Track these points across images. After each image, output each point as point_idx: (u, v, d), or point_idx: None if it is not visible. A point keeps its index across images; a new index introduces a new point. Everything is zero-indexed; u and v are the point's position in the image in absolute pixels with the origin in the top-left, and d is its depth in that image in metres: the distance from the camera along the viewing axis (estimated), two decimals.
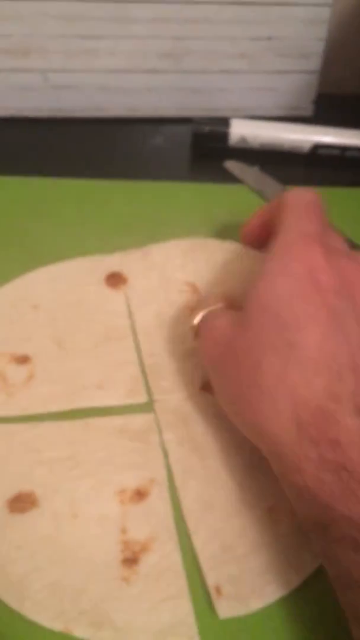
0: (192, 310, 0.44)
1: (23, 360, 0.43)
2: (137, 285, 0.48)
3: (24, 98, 0.61)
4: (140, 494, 0.38)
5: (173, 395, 0.43)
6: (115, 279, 0.48)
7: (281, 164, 0.60)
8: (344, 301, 0.33)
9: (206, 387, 0.42)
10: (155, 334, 0.45)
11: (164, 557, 0.36)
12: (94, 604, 0.34)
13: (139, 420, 0.41)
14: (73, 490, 0.37)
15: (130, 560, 0.35)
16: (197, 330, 0.40)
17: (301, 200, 0.39)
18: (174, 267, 0.49)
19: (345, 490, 0.29)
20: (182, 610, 0.34)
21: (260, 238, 0.42)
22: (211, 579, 0.35)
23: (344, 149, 0.60)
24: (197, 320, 0.40)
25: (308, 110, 0.65)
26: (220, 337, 0.36)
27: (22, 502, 0.37)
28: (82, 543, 0.36)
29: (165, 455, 0.40)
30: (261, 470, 0.39)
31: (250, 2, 0.58)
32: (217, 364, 0.36)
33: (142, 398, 0.42)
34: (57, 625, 0.33)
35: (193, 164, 0.61)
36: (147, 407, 0.42)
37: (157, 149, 0.62)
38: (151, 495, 0.38)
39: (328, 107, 0.66)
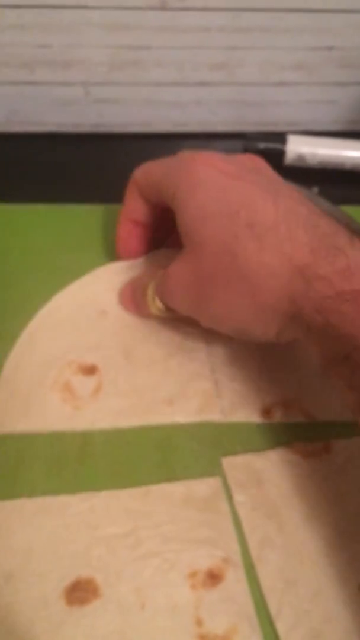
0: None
1: (91, 370, 0.40)
2: None
3: (64, 113, 0.57)
4: (213, 577, 0.33)
5: (228, 417, 0.39)
6: None
7: (342, 184, 0.56)
8: (259, 176, 0.36)
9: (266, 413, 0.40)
10: (219, 349, 0.42)
11: None
12: None
13: (205, 485, 0.36)
14: (138, 575, 0.33)
15: None
16: (160, 297, 0.39)
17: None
18: None
19: None
20: None
21: (140, 241, 0.43)
22: None
23: None
24: (151, 291, 0.40)
25: None
26: (184, 276, 0.36)
27: (82, 592, 0.32)
28: (151, 637, 0.31)
29: (238, 525, 0.35)
30: (352, 537, 0.34)
31: (310, 10, 0.53)
32: (198, 296, 0.36)
33: (215, 415, 0.39)
34: None
35: None
36: (213, 468, 0.37)
37: None
38: (226, 578, 0.33)
39: None
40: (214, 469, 0.37)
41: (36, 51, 0.53)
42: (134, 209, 0.41)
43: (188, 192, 0.35)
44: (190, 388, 0.40)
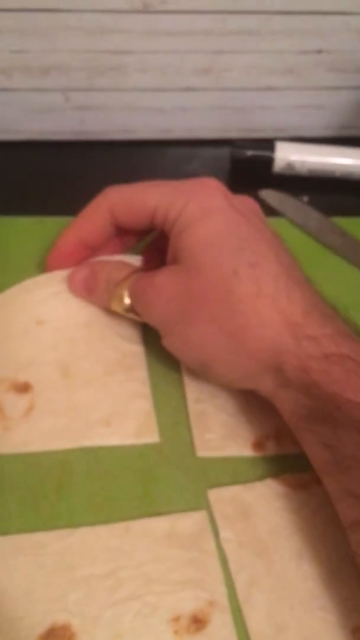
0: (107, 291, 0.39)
1: (23, 388, 0.38)
2: None
3: (43, 120, 0.54)
4: (198, 622, 0.31)
5: (218, 452, 0.37)
6: None
7: (332, 193, 0.54)
8: (260, 222, 0.36)
9: (259, 446, 0.38)
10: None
11: None
12: None
13: (190, 520, 0.34)
14: (117, 620, 0.31)
15: None
16: (134, 300, 0.37)
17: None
18: None
19: (350, 378, 0.30)
20: None
21: (76, 255, 0.41)
22: None
23: None
24: (123, 289, 0.38)
25: (359, 129, 0.58)
26: (169, 290, 0.35)
27: (57, 639, 0.30)
28: None
29: (224, 564, 0.33)
30: (344, 577, 0.32)
31: (299, 12, 0.51)
32: (178, 316, 0.35)
33: (153, 437, 0.38)
34: None
35: (233, 193, 0.54)
36: (199, 501, 0.35)
37: (192, 176, 0.55)
38: (212, 623, 0.31)
39: None
40: (199, 503, 0.35)
41: (13, 56, 0.51)
42: (91, 230, 0.39)
43: (198, 216, 0.35)
44: (129, 408, 0.38)
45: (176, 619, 0.31)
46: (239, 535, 0.34)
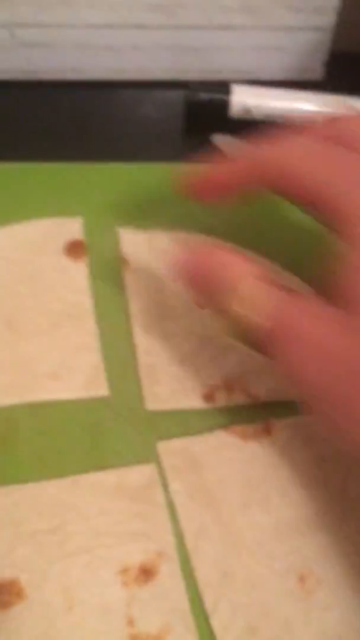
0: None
1: None
2: (139, 270, 0.42)
3: None
4: (146, 573, 0.31)
5: (168, 404, 0.37)
6: (76, 249, 0.42)
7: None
8: None
9: (209, 398, 0.37)
10: (154, 328, 0.39)
11: None
12: None
13: (138, 474, 0.34)
14: (65, 573, 0.31)
15: None
16: (273, 333, 0.28)
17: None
18: None
19: None
20: None
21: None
22: None
23: None
24: (267, 313, 0.28)
25: (318, 72, 0.57)
26: (329, 349, 0.26)
27: (5, 594, 0.30)
28: None
29: (173, 515, 0.33)
30: (292, 526, 0.33)
31: None
32: (346, 382, 0.26)
33: (103, 391, 0.37)
34: None
35: (186, 138, 0.52)
36: (148, 454, 0.35)
37: (144, 120, 0.53)
38: (160, 573, 0.31)
39: (340, 69, 0.57)
40: (148, 455, 0.35)
41: None
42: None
43: None
44: (76, 362, 0.37)
45: (125, 571, 0.31)
46: (188, 486, 0.34)
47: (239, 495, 0.34)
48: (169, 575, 0.31)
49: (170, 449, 0.35)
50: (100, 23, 0.51)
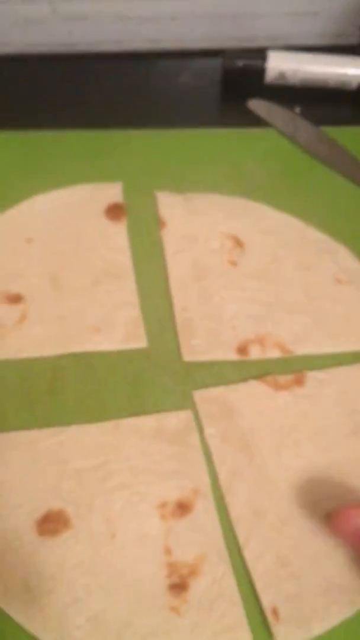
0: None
1: (15, 299, 0.40)
2: (176, 231, 0.44)
3: (29, 32, 0.54)
4: (183, 507, 0.33)
5: (203, 356, 0.39)
6: (115, 211, 0.45)
7: (326, 103, 0.53)
8: None
9: (243, 351, 0.38)
10: (190, 286, 0.42)
11: (216, 581, 0.32)
12: (141, 639, 0.30)
13: (176, 419, 0.36)
14: (108, 506, 0.33)
15: (179, 587, 0.32)
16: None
17: None
18: (217, 218, 0.45)
19: None
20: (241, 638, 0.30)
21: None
22: (267, 600, 0.31)
23: None
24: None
25: (355, 37, 0.57)
26: None
27: (53, 523, 0.33)
28: (123, 568, 0.32)
29: (208, 457, 0.35)
30: (320, 469, 0.35)
31: None
32: None
33: (142, 343, 0.39)
34: None
35: (224, 105, 0.54)
36: (185, 402, 0.37)
37: (183, 88, 0.54)
38: (195, 508, 0.33)
39: None
40: (185, 403, 0.37)
41: None
42: None
43: None
44: (117, 316, 0.40)
45: (163, 505, 0.33)
46: (222, 431, 0.36)
47: (271, 440, 0.36)
48: (204, 511, 0.34)
49: (206, 397, 0.37)
50: None
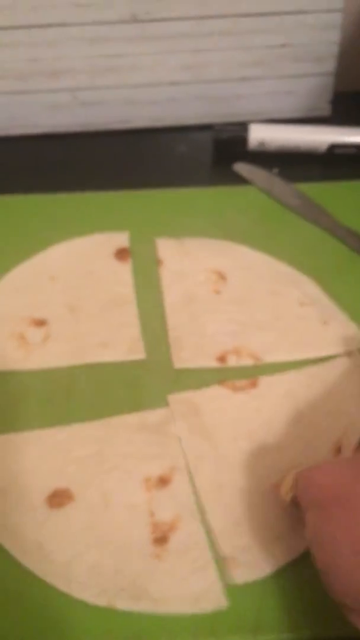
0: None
1: (40, 323, 0.50)
2: (171, 268, 0.54)
3: (55, 115, 0.66)
4: (163, 481, 0.42)
5: (190, 363, 0.48)
6: (122, 254, 0.55)
7: (299, 164, 0.63)
8: None
9: (222, 359, 0.47)
10: (181, 311, 0.51)
11: (190, 534, 0.40)
12: (131, 580, 0.38)
13: (156, 415, 0.45)
14: (103, 483, 0.42)
15: (161, 539, 0.40)
16: (295, 482, 0.37)
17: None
18: (204, 258, 0.55)
19: None
20: (209, 579, 0.38)
21: None
22: (227, 551, 0.39)
23: (359, 147, 0.63)
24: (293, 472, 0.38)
25: (326, 110, 0.68)
26: (329, 480, 0.34)
27: (59, 498, 0.41)
28: (115, 529, 0.40)
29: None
30: (267, 451, 0.43)
31: (264, 13, 0.61)
32: (325, 508, 0.33)
33: (141, 355, 0.48)
34: (101, 601, 0.38)
35: (214, 168, 0.65)
36: (162, 402, 0.46)
37: (180, 156, 0.66)
38: (173, 481, 0.42)
39: (346, 105, 0.68)
40: (165, 402, 0.46)
41: (28, 64, 0.62)
42: None
43: None
44: (121, 334, 0.49)
45: (147, 480, 0.42)
46: (190, 425, 0.45)
47: (230, 431, 0.44)
48: (180, 482, 0.42)
49: (177, 399, 0.46)
50: (142, 83, 0.64)
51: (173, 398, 0.46)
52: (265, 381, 0.47)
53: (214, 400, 0.46)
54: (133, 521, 0.40)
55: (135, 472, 0.42)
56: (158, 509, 0.41)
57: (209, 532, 0.40)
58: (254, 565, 0.39)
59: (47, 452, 0.44)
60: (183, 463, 0.43)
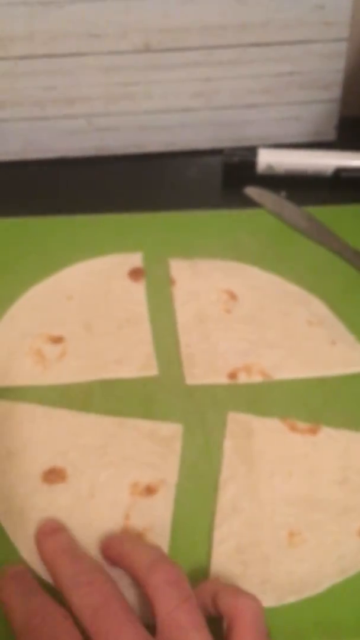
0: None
1: (58, 340, 0.52)
2: (184, 288, 0.56)
3: (71, 141, 0.68)
4: (149, 490, 0.44)
5: (201, 380, 0.50)
6: (136, 274, 0.57)
7: (306, 187, 0.65)
8: None
9: (232, 376, 0.49)
10: (193, 329, 0.53)
11: None
12: None
13: (167, 428, 0.47)
14: (96, 476, 0.44)
15: None
16: None
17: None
18: (216, 278, 0.57)
19: None
20: None
21: None
22: (216, 570, 0.41)
23: None
24: None
25: (331, 135, 0.70)
26: None
27: (54, 475, 0.44)
28: (90, 519, 0.42)
29: (183, 460, 0.45)
30: (298, 499, 0.44)
31: (272, 43, 0.64)
32: None
33: (153, 371, 0.50)
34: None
35: (225, 191, 0.67)
36: (173, 416, 0.48)
37: (192, 180, 0.68)
38: (158, 493, 0.44)
39: (351, 130, 0.71)
40: (182, 417, 0.48)
41: (45, 92, 0.65)
42: None
43: None
44: (135, 351, 0.51)
45: (135, 484, 0.44)
46: (236, 446, 0.46)
47: (270, 465, 0.45)
48: (163, 496, 0.44)
49: (236, 418, 0.48)
50: (155, 109, 0.67)
51: (232, 416, 0.48)
52: (326, 432, 0.47)
53: (269, 431, 0.47)
54: (108, 518, 0.42)
55: (127, 474, 0.44)
56: (134, 515, 0.43)
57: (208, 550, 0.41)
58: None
59: (59, 431, 0.46)
60: (174, 480, 0.44)
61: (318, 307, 0.54)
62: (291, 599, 0.40)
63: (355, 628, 0.39)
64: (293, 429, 0.47)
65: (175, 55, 0.64)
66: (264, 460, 0.45)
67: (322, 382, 0.50)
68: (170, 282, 0.56)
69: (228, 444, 0.46)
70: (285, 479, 0.45)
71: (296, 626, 0.39)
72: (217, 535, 0.42)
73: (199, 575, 0.41)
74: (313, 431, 0.47)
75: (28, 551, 0.41)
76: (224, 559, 0.41)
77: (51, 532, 0.41)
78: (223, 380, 0.50)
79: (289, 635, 0.38)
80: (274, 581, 0.40)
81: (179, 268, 0.57)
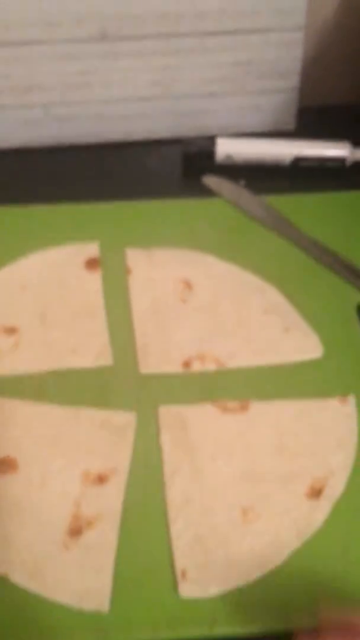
0: None
1: (11, 331, 0.52)
2: (140, 277, 0.56)
3: (28, 130, 0.67)
4: (100, 479, 0.44)
5: (156, 369, 0.50)
6: (92, 263, 0.57)
7: (265, 177, 0.65)
8: None
9: (187, 365, 0.49)
10: (149, 319, 0.53)
11: (102, 535, 0.42)
12: (33, 559, 0.41)
13: (120, 417, 0.47)
14: (48, 465, 0.44)
15: (75, 531, 0.42)
16: None
17: None
18: (172, 267, 0.57)
19: None
20: (101, 581, 0.40)
21: None
22: (180, 563, 0.41)
23: (323, 160, 0.65)
24: None
25: (290, 124, 0.70)
26: None
27: (5, 465, 0.44)
28: (41, 508, 0.43)
29: (136, 450, 0.46)
30: (243, 477, 0.44)
31: (229, 31, 0.63)
32: None
33: (109, 361, 0.50)
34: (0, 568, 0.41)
35: (183, 181, 0.67)
36: (128, 406, 0.48)
37: (150, 169, 0.67)
38: (109, 482, 0.44)
39: (310, 119, 0.71)
40: (136, 406, 0.48)
41: (0, 81, 0.64)
42: None
43: None
44: (90, 341, 0.51)
45: (86, 474, 0.44)
46: (174, 438, 0.46)
47: (210, 450, 0.46)
48: (114, 485, 0.44)
49: (167, 411, 0.48)
50: (113, 98, 0.66)
51: (163, 409, 0.48)
52: (255, 407, 0.48)
53: (202, 417, 0.47)
54: (58, 507, 0.43)
55: (79, 463, 0.45)
56: (84, 503, 0.43)
57: (155, 539, 0.42)
58: (202, 583, 0.40)
59: (11, 422, 0.46)
60: (125, 468, 0.45)
61: (273, 295, 0.54)
62: (257, 573, 0.40)
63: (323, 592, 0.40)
64: (224, 410, 0.48)
65: (132, 43, 0.63)
66: (203, 446, 0.46)
67: (275, 369, 0.50)
68: (127, 271, 0.56)
69: (165, 438, 0.46)
70: (227, 460, 0.45)
71: (266, 604, 0.40)
72: (174, 530, 0.42)
73: (158, 568, 0.41)
74: (244, 408, 0.48)
75: None
76: (186, 551, 0.41)
77: None
78: (177, 369, 0.50)
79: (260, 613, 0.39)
80: (238, 560, 0.41)
81: (135, 257, 0.57)
